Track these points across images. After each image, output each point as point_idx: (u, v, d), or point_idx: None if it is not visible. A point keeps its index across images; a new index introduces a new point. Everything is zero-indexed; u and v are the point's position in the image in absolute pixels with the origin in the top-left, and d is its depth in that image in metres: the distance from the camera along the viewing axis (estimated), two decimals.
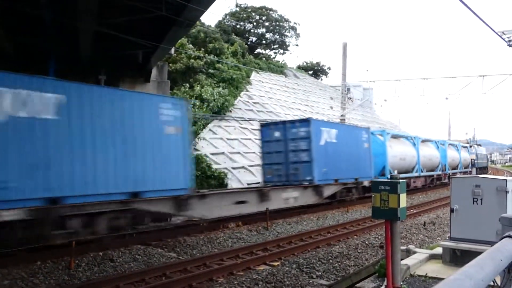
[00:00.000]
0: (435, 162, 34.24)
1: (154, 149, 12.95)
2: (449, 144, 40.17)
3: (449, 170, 37.20)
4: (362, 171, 23.06)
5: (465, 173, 41.51)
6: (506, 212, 7.44)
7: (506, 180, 8.38)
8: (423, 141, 33.23)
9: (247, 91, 39.41)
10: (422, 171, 31.28)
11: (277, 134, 20.39)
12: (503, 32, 16.70)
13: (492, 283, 1.94)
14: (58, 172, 10.64)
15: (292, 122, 21.12)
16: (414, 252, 9.53)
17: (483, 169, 52.08)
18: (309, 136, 19.40)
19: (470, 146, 51.47)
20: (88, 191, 11.22)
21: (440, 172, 35.41)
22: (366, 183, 23.38)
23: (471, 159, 47.05)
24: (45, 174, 10.43)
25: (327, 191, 20.35)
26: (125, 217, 12.07)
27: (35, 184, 10.22)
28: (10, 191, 9.78)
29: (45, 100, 10.57)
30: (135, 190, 12.27)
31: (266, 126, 21.68)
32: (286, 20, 58.17)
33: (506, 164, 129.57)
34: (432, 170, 34.10)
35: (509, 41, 16.49)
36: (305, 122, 20.05)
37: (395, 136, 30.12)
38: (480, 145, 63.75)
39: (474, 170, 46.59)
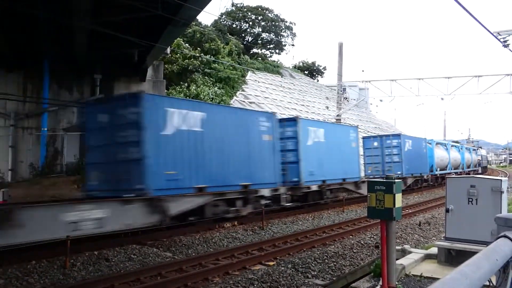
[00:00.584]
0: (458, 162, 44.80)
1: (257, 152, 16.57)
2: (466, 148, 51.39)
3: (466, 168, 47.57)
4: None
5: (475, 171, 52.34)
6: (501, 212, 7.46)
7: (501, 180, 8.42)
8: (452, 146, 44.41)
9: (243, 90, 39.41)
10: (451, 169, 41.28)
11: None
12: (498, 33, 16.76)
13: (487, 283, 1.95)
14: (205, 168, 14.21)
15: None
16: (410, 252, 9.56)
17: (484, 168, 62.83)
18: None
19: (476, 149, 61.86)
20: (225, 183, 15.09)
21: (461, 170, 45.18)
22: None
23: (478, 160, 57.53)
24: (196, 170, 13.88)
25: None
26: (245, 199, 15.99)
27: (192, 176, 13.71)
28: (179, 182, 13.18)
29: (196, 117, 13.94)
30: (247, 183, 15.87)
31: None
32: (282, 20, 58.20)
33: (501, 165, 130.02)
34: (456, 168, 43.81)
35: (504, 41, 16.55)
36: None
37: (437, 143, 40.04)
38: (481, 147, 75.03)
39: (480, 169, 57.40)
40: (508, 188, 9.29)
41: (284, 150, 18.61)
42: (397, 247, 9.08)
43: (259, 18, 56.02)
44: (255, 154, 16.43)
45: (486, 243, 2.01)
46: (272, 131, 17.33)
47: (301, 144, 19.08)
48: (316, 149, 20.04)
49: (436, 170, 37.18)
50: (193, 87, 32.39)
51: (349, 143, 23.00)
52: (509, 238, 2.02)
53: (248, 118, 16.70)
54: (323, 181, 20.54)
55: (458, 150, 46.51)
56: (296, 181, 18.87)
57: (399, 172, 28.21)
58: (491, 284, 2.06)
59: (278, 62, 58.41)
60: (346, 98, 53.58)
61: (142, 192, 12.18)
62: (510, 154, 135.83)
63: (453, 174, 38.36)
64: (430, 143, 36.63)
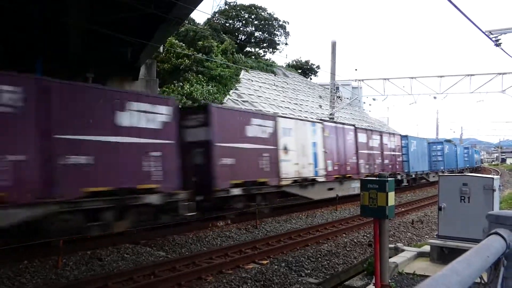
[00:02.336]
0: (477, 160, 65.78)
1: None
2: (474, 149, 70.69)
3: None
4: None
5: (478, 167, 67.91)
6: (493, 210, 7.50)
7: (492, 178, 8.47)
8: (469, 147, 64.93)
9: (236, 89, 39.36)
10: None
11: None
12: (490, 32, 16.83)
13: (479, 280, 1.96)
14: None
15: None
16: (402, 250, 9.61)
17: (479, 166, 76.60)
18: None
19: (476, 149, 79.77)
20: None
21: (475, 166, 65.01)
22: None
23: (481, 159, 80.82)
24: None
25: None
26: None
27: None
28: None
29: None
30: None
31: None
32: (275, 19, 58.16)
33: (493, 163, 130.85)
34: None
35: (496, 40, 16.62)
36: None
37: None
38: (475, 145, 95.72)
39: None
40: (500, 186, 9.34)
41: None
42: (390, 245, 9.11)
43: (252, 17, 55.95)
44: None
45: (479, 241, 2.01)
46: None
47: None
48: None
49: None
50: (187, 86, 32.33)
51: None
52: (500, 235, 2.03)
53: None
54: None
55: (474, 152, 68.14)
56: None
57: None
58: (483, 281, 2.07)
59: (272, 61, 58.39)
60: (339, 97, 53.60)
61: None
62: (501, 152, 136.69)
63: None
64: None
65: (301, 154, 19.51)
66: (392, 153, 29.69)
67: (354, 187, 22.81)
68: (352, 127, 25.20)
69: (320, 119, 24.69)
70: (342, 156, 23.03)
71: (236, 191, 15.56)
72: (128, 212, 11.90)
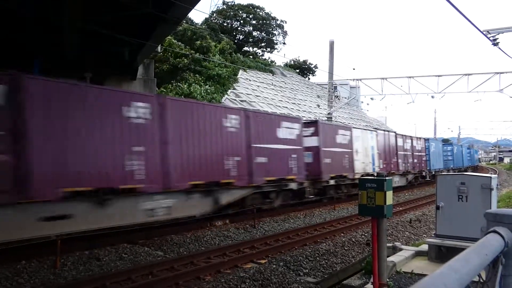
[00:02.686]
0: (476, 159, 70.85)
1: None
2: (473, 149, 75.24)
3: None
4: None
5: (476, 166, 70.66)
6: (491, 209, 7.51)
7: (490, 177, 8.48)
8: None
9: (234, 89, 39.36)
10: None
11: None
12: (488, 31, 16.84)
13: (477, 278, 1.96)
14: None
15: None
16: (400, 249, 9.60)
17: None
18: None
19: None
20: None
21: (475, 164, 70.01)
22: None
23: (478, 158, 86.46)
24: None
25: None
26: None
27: None
28: None
29: None
30: None
31: None
32: (273, 18, 58.19)
33: (491, 162, 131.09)
34: None
35: (494, 40, 16.63)
36: None
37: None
38: (472, 144, 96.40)
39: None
40: (497, 185, 9.35)
41: None
42: (388, 245, 9.11)
43: (250, 16, 55.98)
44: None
45: (477, 240, 2.02)
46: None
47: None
48: None
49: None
50: (185, 86, 32.31)
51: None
52: (498, 233, 2.03)
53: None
54: None
55: (475, 152, 75.23)
56: None
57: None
58: (481, 280, 2.07)
59: (270, 61, 58.41)
60: (337, 96, 53.71)
61: None
62: (499, 151, 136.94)
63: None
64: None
65: (365, 155, 25.77)
66: (419, 153, 36.44)
67: (396, 181, 29.31)
68: (393, 133, 32.07)
69: (375, 128, 32.33)
70: (388, 156, 29.29)
71: (332, 182, 21.90)
72: (281, 193, 18.28)
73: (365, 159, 25.55)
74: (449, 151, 46.90)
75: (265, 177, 16.67)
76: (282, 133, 17.86)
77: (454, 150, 48.37)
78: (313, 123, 21.76)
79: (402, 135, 33.83)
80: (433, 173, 37.82)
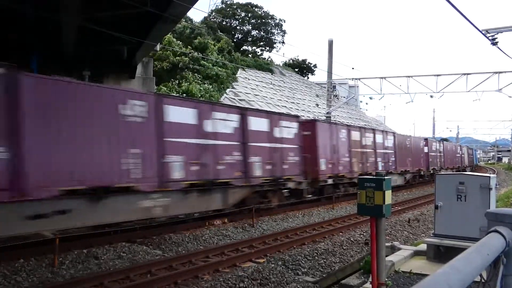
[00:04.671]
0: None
1: None
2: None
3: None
4: None
5: (475, 166, 75.25)
6: (489, 209, 7.51)
7: (489, 177, 8.47)
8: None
9: (233, 88, 39.33)
10: None
11: None
12: (487, 31, 16.83)
13: (478, 278, 1.94)
14: None
15: None
16: (399, 249, 9.60)
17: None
18: None
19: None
20: None
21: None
22: None
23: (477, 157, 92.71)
24: None
25: None
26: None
27: None
28: None
29: None
30: None
31: None
32: (272, 17, 58.16)
33: (490, 162, 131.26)
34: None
35: (493, 39, 16.63)
36: None
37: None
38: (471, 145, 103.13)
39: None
40: (496, 185, 9.34)
41: None
42: (387, 244, 9.10)
43: (249, 15, 55.93)
44: None
45: (475, 240, 2.00)
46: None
47: None
48: None
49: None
50: (186, 84, 32.29)
51: None
52: (499, 232, 2.02)
53: None
54: None
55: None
56: None
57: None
58: (482, 280, 2.06)
59: (270, 59, 58.39)
60: (336, 96, 53.67)
61: None
62: (498, 151, 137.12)
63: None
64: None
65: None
66: (435, 153, 43.09)
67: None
68: (434, 139, 43.51)
69: (426, 138, 41.24)
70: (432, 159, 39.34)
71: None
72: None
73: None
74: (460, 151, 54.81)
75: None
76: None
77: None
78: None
79: (441, 140, 46.01)
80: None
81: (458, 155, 52.37)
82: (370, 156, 26.26)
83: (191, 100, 16.02)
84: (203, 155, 13.95)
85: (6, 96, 9.48)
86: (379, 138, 28.10)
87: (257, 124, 16.71)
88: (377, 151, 27.27)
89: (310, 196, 20.65)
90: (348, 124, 32.29)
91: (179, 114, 13.33)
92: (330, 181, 21.63)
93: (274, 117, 18.08)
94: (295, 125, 19.17)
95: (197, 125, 13.86)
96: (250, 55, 54.10)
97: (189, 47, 36.40)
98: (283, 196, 18.59)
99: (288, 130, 18.48)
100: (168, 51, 33.65)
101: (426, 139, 39.98)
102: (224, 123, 14.92)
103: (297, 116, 20.84)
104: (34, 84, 10.09)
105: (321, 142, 21.02)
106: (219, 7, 55.07)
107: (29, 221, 9.78)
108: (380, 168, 26.84)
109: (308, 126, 20.88)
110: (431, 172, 37.95)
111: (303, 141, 19.58)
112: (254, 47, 58.94)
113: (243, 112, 16.25)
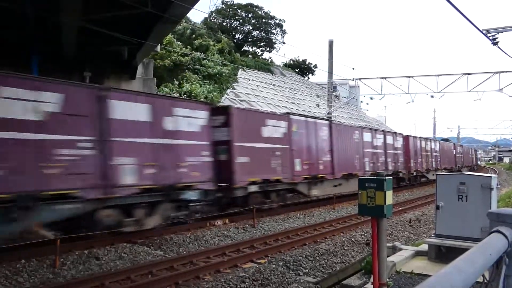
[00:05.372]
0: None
1: None
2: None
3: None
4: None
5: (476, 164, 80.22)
6: (491, 209, 7.50)
7: (490, 177, 8.46)
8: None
9: (233, 88, 39.34)
10: None
11: None
12: (487, 31, 16.84)
13: (481, 278, 1.94)
14: None
15: None
16: (400, 249, 9.59)
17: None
18: None
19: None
20: None
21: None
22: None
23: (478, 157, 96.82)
24: None
25: None
26: None
27: None
28: None
29: None
30: None
31: None
32: (272, 17, 58.15)
33: (490, 162, 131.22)
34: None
35: (494, 39, 16.63)
36: None
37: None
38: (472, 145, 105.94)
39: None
40: (497, 185, 9.34)
41: None
42: (388, 244, 9.10)
43: (249, 15, 55.94)
44: None
45: (476, 240, 2.00)
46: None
47: None
48: None
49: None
50: (188, 85, 32.30)
51: None
52: (502, 233, 2.02)
53: None
54: None
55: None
56: None
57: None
58: (485, 280, 2.06)
59: (270, 60, 58.40)
60: (337, 96, 53.74)
61: None
62: (498, 151, 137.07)
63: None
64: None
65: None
66: (459, 155, 52.65)
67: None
68: (451, 143, 52.78)
69: (436, 139, 46.90)
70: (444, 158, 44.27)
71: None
72: None
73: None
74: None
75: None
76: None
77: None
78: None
79: (453, 143, 52.79)
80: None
81: (454, 154, 51.52)
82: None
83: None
84: None
85: None
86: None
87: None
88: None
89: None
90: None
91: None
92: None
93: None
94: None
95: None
96: (250, 56, 54.10)
97: (189, 47, 36.40)
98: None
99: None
100: (169, 52, 33.67)
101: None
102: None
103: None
104: None
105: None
106: (219, 8, 55.11)
107: None
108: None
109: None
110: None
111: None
112: (255, 48, 58.96)
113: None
